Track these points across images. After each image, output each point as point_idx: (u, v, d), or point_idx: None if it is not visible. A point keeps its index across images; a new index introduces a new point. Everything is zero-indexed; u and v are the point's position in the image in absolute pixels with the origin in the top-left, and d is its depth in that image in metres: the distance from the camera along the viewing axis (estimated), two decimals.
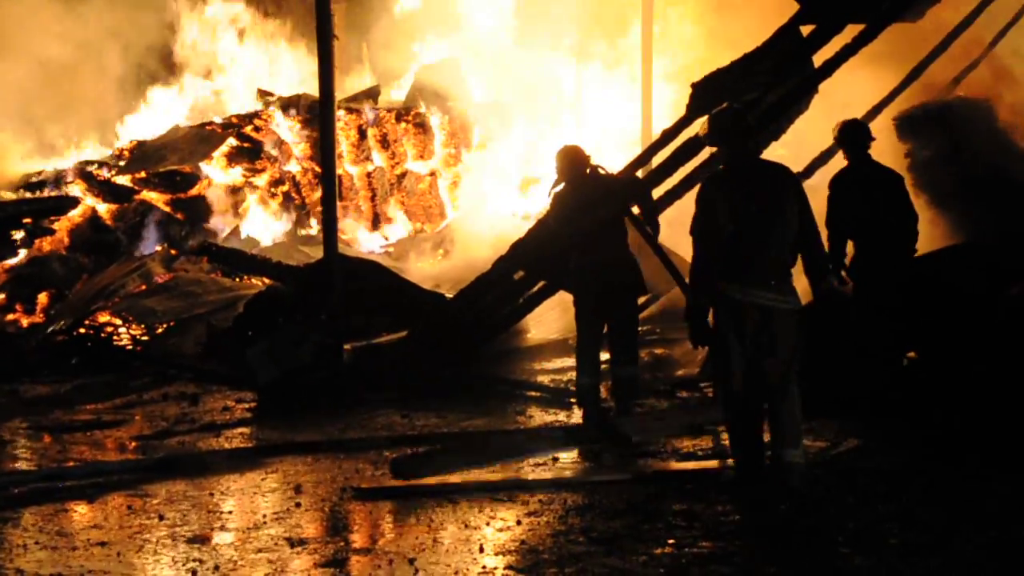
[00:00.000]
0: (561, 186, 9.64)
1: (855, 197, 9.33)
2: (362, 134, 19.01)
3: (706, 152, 10.95)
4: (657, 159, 11.46)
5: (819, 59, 10.66)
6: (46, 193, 17.83)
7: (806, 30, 10.67)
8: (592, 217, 9.40)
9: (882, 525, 6.59)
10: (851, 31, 10.57)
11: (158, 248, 16.98)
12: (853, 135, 9.51)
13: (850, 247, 9.36)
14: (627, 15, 17.40)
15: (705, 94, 10.85)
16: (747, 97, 10.67)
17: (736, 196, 7.09)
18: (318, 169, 16.00)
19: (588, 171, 9.62)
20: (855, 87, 11.73)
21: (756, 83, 10.66)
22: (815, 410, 8.25)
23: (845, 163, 9.58)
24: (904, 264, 9.35)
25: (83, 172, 18.20)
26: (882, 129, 10.43)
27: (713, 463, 8.06)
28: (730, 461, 7.85)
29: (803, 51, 10.64)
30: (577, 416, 9.78)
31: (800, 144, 11.55)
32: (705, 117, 7.44)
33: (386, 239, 18.79)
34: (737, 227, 7.03)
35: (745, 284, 7.04)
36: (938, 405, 8.76)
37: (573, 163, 9.61)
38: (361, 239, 18.59)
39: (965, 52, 11.90)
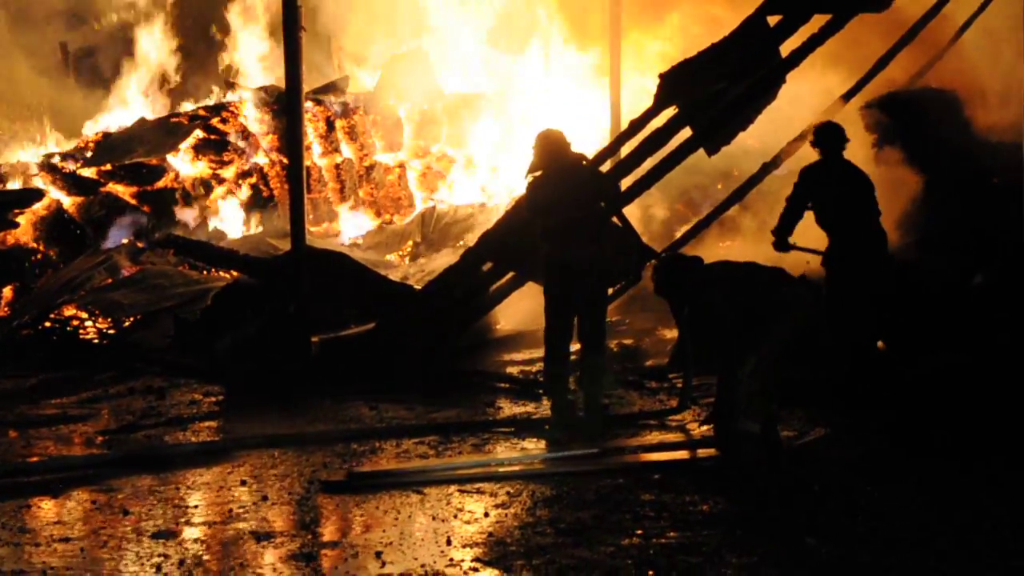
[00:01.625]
0: (538, 173, 9.45)
1: (826, 193, 9.45)
2: (330, 126, 18.90)
3: (675, 142, 10.97)
4: (625, 149, 11.47)
5: (786, 49, 10.67)
6: (9, 186, 17.66)
7: (773, 20, 10.68)
8: (568, 211, 9.30)
9: (849, 515, 6.61)
10: (818, 21, 10.59)
11: (124, 241, 16.84)
12: (830, 138, 9.57)
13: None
14: (594, 4, 17.34)
15: (673, 84, 10.86)
16: (715, 87, 10.70)
17: None
18: (286, 161, 15.90)
19: (568, 159, 9.47)
20: (821, 78, 11.77)
21: (723, 73, 10.67)
22: (784, 399, 8.28)
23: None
24: (874, 259, 9.41)
25: (48, 164, 18.03)
26: (847, 120, 10.44)
27: (683, 453, 8.07)
28: (700, 451, 7.89)
29: (770, 41, 10.64)
30: (546, 407, 9.77)
31: (775, 134, 11.58)
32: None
33: (355, 231, 18.70)
34: None
35: None
36: (906, 395, 8.81)
37: (553, 149, 9.40)
38: (330, 231, 18.50)
39: (932, 42, 11.93)
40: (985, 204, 10.41)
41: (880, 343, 9.64)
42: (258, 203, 18.48)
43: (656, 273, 8.23)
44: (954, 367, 8.94)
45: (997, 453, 7.74)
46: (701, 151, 10.88)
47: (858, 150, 10.45)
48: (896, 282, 9.60)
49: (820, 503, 6.87)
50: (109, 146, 18.51)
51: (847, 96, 11.02)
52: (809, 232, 9.59)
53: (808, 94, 10.21)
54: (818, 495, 7.01)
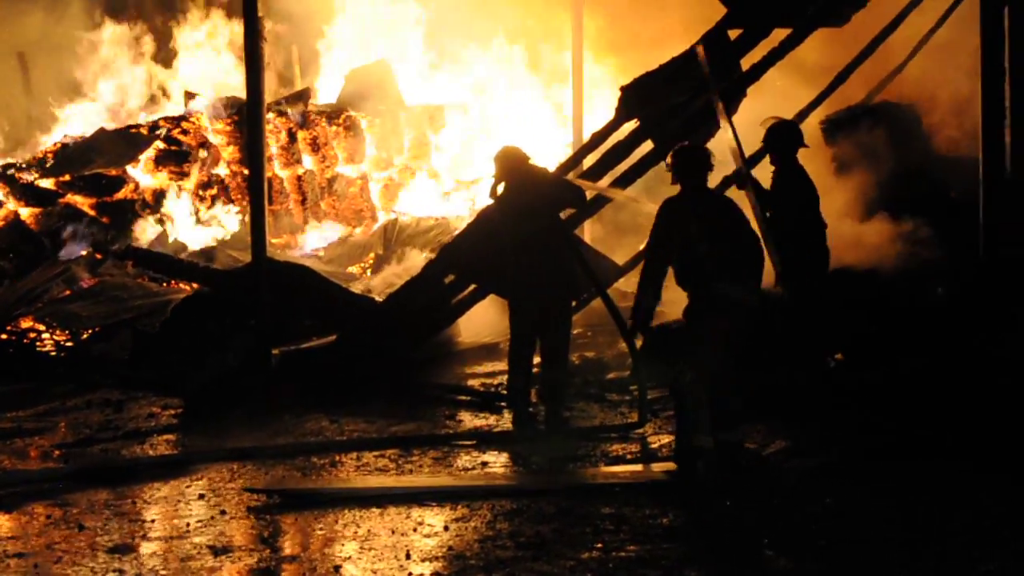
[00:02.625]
0: (502, 187, 9.62)
1: (780, 202, 9.43)
2: (292, 137, 18.83)
3: (636, 155, 11.01)
4: (588, 161, 11.49)
5: (746, 63, 10.74)
6: None
7: (734, 34, 10.74)
8: (530, 222, 9.37)
9: (809, 526, 6.63)
10: (778, 35, 10.67)
11: (83, 252, 16.68)
12: (784, 138, 9.52)
13: None
14: (558, 17, 17.39)
15: (634, 97, 10.90)
16: (676, 101, 10.75)
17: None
18: (247, 172, 15.82)
19: (528, 173, 9.58)
20: (782, 92, 11.84)
21: (685, 87, 10.72)
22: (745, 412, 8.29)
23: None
24: (824, 271, 9.45)
25: (4, 175, 17.85)
26: (806, 135, 10.49)
27: (638, 467, 8.09)
28: (655, 466, 7.91)
29: (731, 54, 10.70)
30: (507, 421, 9.76)
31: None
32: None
33: (316, 243, 18.62)
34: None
35: None
36: (864, 405, 8.85)
37: (512, 164, 9.57)
38: (291, 243, 18.42)
39: (890, 56, 12.04)
40: (944, 217, 10.50)
41: (838, 355, 9.68)
42: (219, 214, 18.37)
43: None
44: (913, 374, 8.99)
45: (958, 457, 7.78)
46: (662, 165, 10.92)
47: (819, 164, 10.52)
48: (851, 292, 9.65)
49: (780, 514, 6.89)
50: (68, 156, 18.34)
51: (806, 111, 11.08)
52: None
53: (769, 108, 10.25)
54: (777, 506, 7.02)
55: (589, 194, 10.59)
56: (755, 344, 8.23)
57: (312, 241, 18.60)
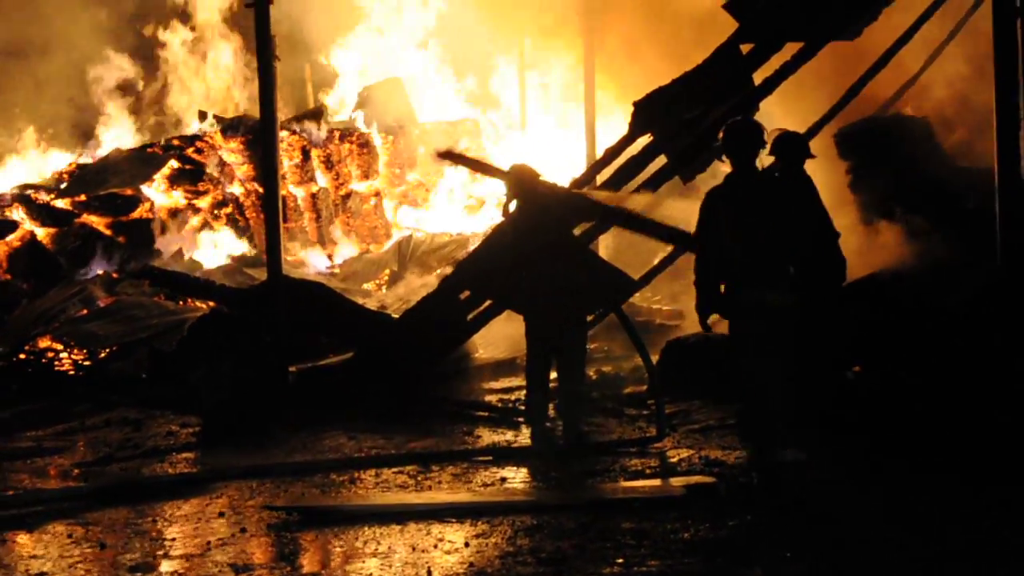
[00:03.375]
0: (513, 204, 9.71)
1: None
2: (306, 155, 18.91)
3: (650, 169, 11.04)
4: (600, 178, 11.52)
5: (759, 77, 10.75)
6: None
7: (746, 48, 10.76)
8: (541, 238, 9.43)
9: (827, 538, 6.63)
10: (790, 49, 10.68)
11: (99, 272, 16.77)
12: (790, 148, 9.48)
13: None
14: (571, 33, 17.46)
15: (647, 112, 10.93)
16: (689, 115, 10.77)
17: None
18: (261, 190, 15.90)
19: (537, 189, 9.65)
20: (795, 106, 11.86)
21: (697, 101, 10.75)
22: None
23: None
24: (838, 281, 9.42)
25: (22, 196, 17.96)
26: (820, 148, 10.50)
27: (657, 482, 8.08)
28: (675, 480, 7.89)
29: (743, 69, 10.73)
30: (526, 436, 9.77)
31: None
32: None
33: (332, 260, 18.68)
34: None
35: None
36: (880, 417, 8.84)
37: (522, 182, 9.67)
38: (307, 260, 18.49)
39: (903, 70, 12.06)
40: (957, 230, 10.48)
41: (856, 367, 9.68)
42: (234, 232, 18.45)
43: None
44: (931, 387, 8.97)
45: (974, 470, 7.77)
46: (677, 179, 10.95)
47: (832, 177, 10.52)
48: (867, 305, 9.64)
49: (799, 526, 6.88)
50: (83, 177, 18.48)
51: (820, 124, 11.09)
52: None
53: (782, 122, 10.26)
54: (800, 519, 7.01)
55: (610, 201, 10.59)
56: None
57: (327, 258, 18.65)
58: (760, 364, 7.75)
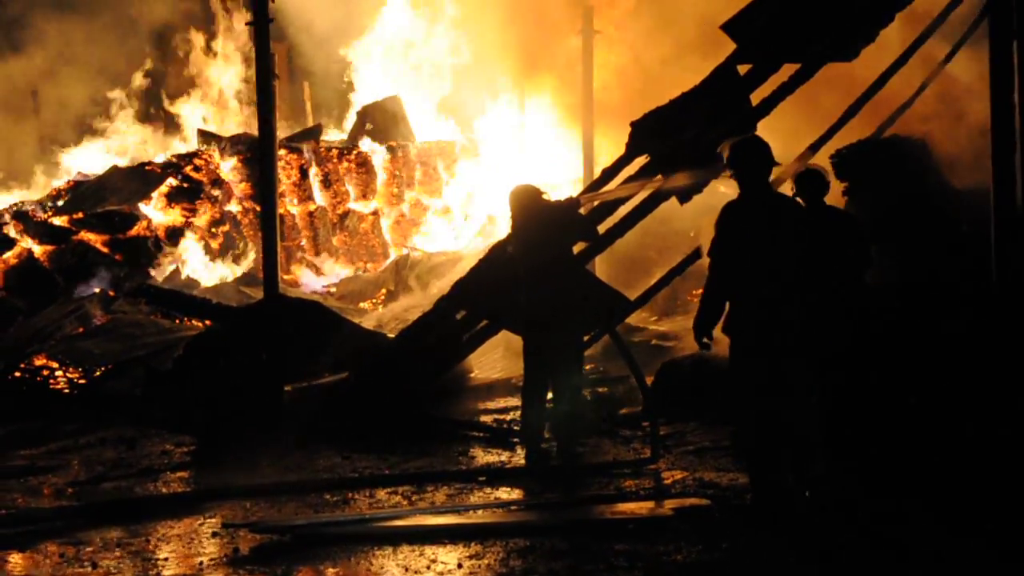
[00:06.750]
0: (516, 224, 9.73)
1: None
2: (303, 173, 18.93)
3: (648, 190, 11.03)
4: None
5: (756, 97, 10.77)
6: None
7: (743, 69, 10.78)
8: (539, 256, 9.44)
9: (826, 561, 6.61)
10: (788, 70, 10.70)
11: (96, 290, 16.75)
12: (813, 185, 9.48)
13: None
14: (568, 51, 17.50)
15: (644, 132, 10.93)
16: (686, 135, 10.77)
17: None
18: (259, 208, 15.91)
19: (538, 208, 9.66)
20: (792, 127, 11.87)
21: (695, 121, 10.75)
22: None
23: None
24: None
25: (18, 213, 17.96)
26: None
27: (651, 504, 8.05)
28: (669, 502, 7.86)
29: (740, 89, 10.74)
30: (520, 457, 9.74)
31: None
32: None
33: (328, 278, 18.68)
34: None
35: None
36: (875, 441, 8.81)
37: (524, 202, 9.69)
38: (304, 279, 18.48)
39: (900, 92, 12.06)
40: (953, 251, 10.48)
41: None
42: (231, 251, 18.45)
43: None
44: (924, 410, 8.95)
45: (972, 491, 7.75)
46: (673, 199, 10.93)
47: (829, 199, 10.49)
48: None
49: (795, 551, 6.86)
50: (81, 194, 18.49)
51: (816, 145, 11.09)
52: None
53: (779, 143, 10.25)
54: (790, 541, 6.99)
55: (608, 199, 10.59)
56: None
57: (324, 277, 18.66)
58: (771, 402, 7.42)
